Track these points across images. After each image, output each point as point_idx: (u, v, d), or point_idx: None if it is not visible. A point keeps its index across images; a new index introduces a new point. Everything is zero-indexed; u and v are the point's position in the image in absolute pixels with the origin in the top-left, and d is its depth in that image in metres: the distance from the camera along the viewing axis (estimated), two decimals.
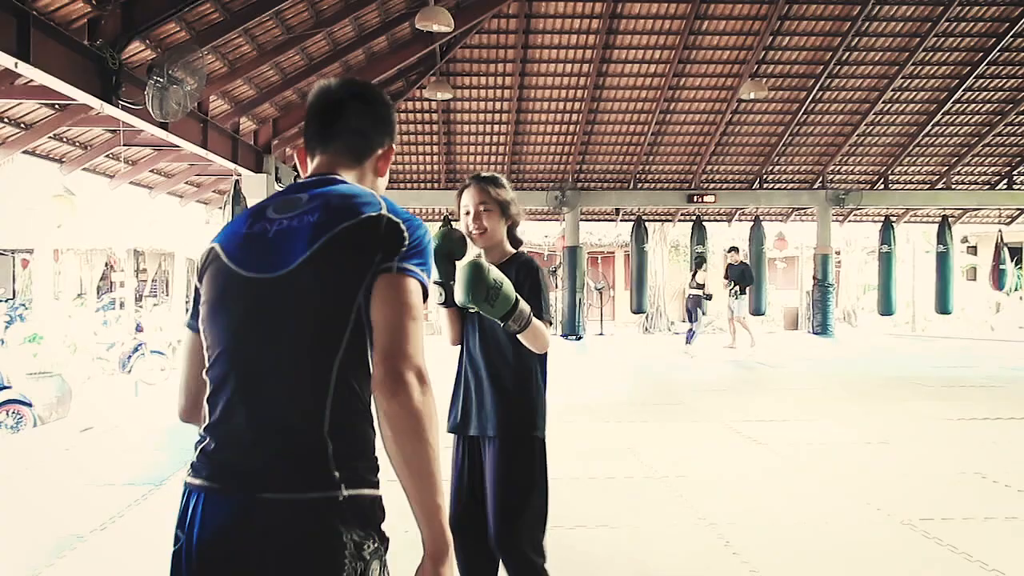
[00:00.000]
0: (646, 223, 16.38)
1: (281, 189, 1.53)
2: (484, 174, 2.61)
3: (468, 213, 2.54)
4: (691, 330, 13.07)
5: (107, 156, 9.99)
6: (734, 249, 13.70)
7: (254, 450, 1.29)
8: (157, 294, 21.19)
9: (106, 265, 19.75)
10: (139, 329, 12.61)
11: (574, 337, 15.23)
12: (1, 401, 8.08)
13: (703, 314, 13.47)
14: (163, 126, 7.46)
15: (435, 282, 2.44)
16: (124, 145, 8.80)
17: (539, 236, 23.04)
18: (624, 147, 15.07)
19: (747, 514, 4.36)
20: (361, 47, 10.26)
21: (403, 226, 1.38)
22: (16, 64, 5.13)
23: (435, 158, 14.88)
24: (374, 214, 1.38)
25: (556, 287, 15.75)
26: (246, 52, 8.79)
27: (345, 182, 1.49)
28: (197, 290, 1.43)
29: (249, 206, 8.53)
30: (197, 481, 1.32)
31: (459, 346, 2.61)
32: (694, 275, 13.42)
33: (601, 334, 17.28)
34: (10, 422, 8.16)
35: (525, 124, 14.37)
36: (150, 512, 4.40)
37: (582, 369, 11.13)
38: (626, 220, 17.07)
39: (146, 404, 8.53)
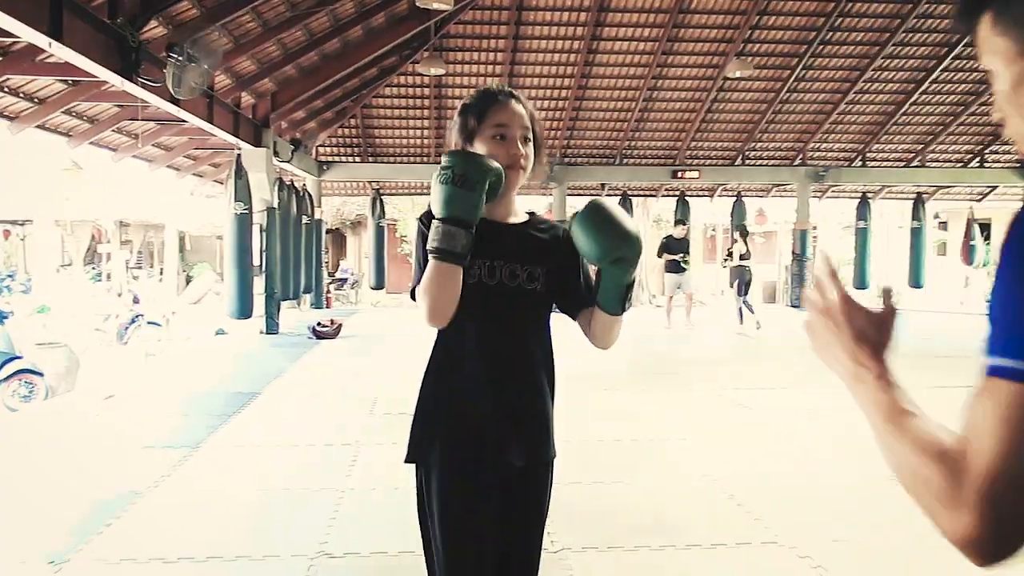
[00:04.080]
0: (631, 198, 16.72)
1: None
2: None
3: (501, 137, 1.77)
4: (744, 305, 11.79)
5: (113, 130, 10.12)
6: (681, 222, 13.15)
7: None
8: (143, 265, 21.22)
9: (92, 237, 19.76)
10: (136, 300, 12.78)
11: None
12: (14, 371, 8.30)
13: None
14: (174, 102, 7.63)
15: (445, 218, 1.64)
16: (130, 119, 8.94)
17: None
18: (612, 123, 15.36)
19: (746, 471, 4.76)
20: (361, 23, 10.43)
21: None
22: (50, 44, 5.31)
23: (426, 132, 15.09)
24: None
25: None
26: (251, 29, 8.94)
27: None
28: None
29: (250, 179, 8.67)
30: None
31: (445, 328, 1.76)
32: (732, 247, 12.06)
33: None
34: (23, 391, 8.38)
35: None
36: (197, 471, 4.72)
37: (575, 340, 11.50)
38: (612, 195, 17.40)
39: (155, 373, 8.77)
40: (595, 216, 1.68)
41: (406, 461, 1.82)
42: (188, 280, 20.74)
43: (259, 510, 4.07)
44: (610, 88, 14.41)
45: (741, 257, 11.72)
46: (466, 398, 1.78)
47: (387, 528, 3.78)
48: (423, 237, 1.73)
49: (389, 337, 11.48)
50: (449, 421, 1.78)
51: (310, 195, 14.52)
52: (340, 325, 11.30)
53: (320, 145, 15.19)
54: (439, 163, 1.68)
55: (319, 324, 11.05)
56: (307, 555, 3.46)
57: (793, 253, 16.83)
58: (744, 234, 12.08)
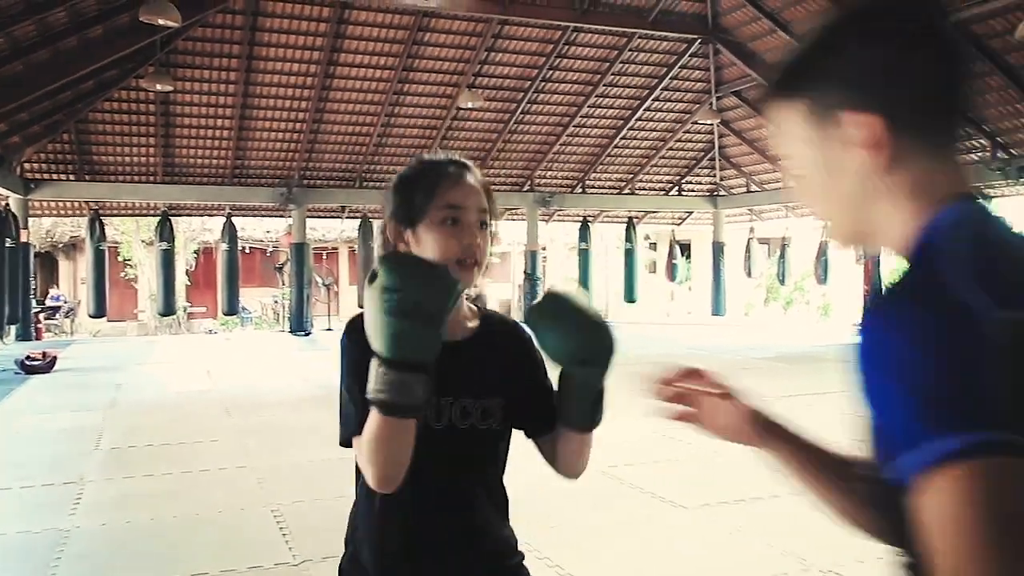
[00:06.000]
0: (372, 221, 16.95)
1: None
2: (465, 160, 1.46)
3: (454, 221, 1.38)
4: None
5: None
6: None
7: None
8: None
9: None
10: None
11: (303, 333, 15.48)
12: None
13: None
14: None
15: (395, 361, 1.17)
16: None
17: (260, 232, 22.73)
18: (351, 147, 15.53)
19: None
20: (75, 34, 9.71)
21: None
22: None
23: (152, 150, 14.24)
24: None
25: (284, 284, 15.79)
26: None
27: None
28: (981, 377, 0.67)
29: None
30: None
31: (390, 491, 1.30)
32: None
33: (329, 329, 17.57)
34: None
35: (250, 120, 14.27)
36: None
37: (312, 361, 11.49)
38: (352, 217, 17.54)
39: None
40: (556, 306, 1.37)
41: None
42: None
43: None
44: (349, 112, 14.62)
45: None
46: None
47: (121, 562, 3.69)
48: (353, 361, 1.32)
49: (113, 368, 10.71)
50: None
51: (14, 216, 13.13)
52: (54, 357, 10.36)
53: (27, 161, 13.78)
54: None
55: (28, 357, 10.06)
56: None
57: (525, 272, 18.03)
58: None
